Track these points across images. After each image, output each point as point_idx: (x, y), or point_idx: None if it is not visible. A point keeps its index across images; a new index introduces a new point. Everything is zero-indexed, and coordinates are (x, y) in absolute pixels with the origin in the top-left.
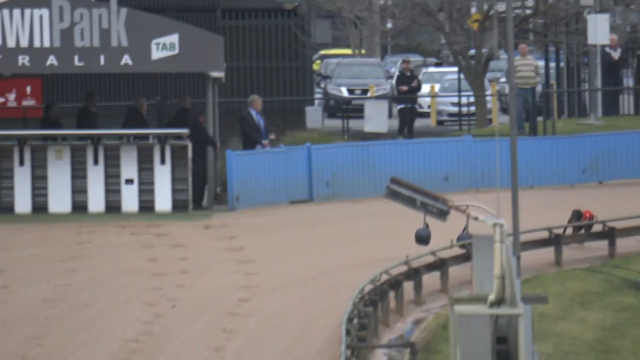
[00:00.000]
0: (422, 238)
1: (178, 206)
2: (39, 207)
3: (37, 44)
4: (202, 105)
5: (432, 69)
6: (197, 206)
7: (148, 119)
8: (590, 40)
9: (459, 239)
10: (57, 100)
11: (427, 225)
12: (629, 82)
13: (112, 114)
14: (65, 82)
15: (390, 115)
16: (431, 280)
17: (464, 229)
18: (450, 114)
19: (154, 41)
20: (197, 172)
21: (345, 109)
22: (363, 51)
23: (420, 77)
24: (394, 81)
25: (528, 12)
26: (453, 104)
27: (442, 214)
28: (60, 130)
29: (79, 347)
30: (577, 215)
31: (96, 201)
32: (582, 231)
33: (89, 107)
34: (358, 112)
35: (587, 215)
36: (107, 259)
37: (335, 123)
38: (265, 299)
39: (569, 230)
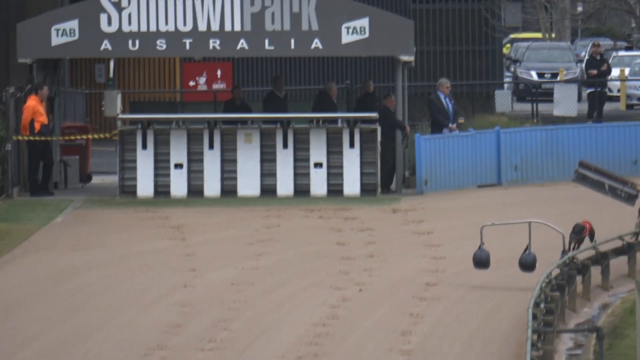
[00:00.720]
0: (527, 264)
1: (366, 190)
2: (228, 190)
3: (227, 27)
4: (389, 89)
5: (622, 53)
6: (385, 190)
7: (337, 103)
8: None
9: None
10: (246, 83)
11: (481, 246)
12: None
13: (301, 97)
14: (254, 66)
15: (579, 99)
16: (618, 264)
17: None
18: None
19: (344, 25)
20: (386, 156)
21: (534, 93)
22: (553, 35)
23: (610, 60)
24: (583, 65)
25: None
26: None
27: (631, 199)
28: (248, 113)
29: (265, 331)
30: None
31: (285, 185)
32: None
33: (276, 91)
34: (547, 95)
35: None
36: (295, 243)
37: (525, 107)
38: (452, 283)
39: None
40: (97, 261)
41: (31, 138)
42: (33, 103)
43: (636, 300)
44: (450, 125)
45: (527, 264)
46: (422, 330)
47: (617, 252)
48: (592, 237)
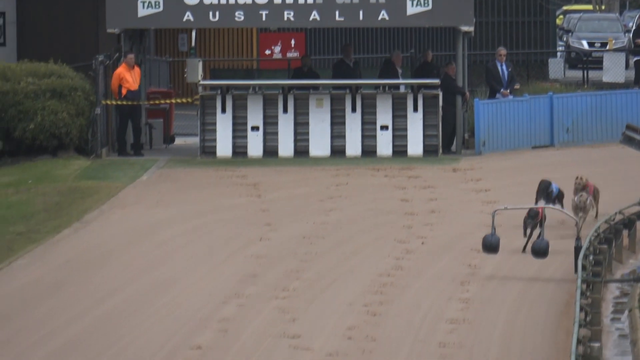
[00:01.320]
0: (540, 250)
1: (428, 151)
2: (301, 151)
3: (301, 0)
4: (450, 58)
5: None
6: (446, 151)
7: (402, 70)
8: None
9: None
10: (317, 52)
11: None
12: None
13: (368, 65)
14: (325, 36)
15: (627, 66)
16: None
17: None
18: None
19: None
20: (447, 120)
21: (585, 61)
22: (603, 7)
23: None
24: (631, 35)
25: None
26: None
27: None
28: (315, 79)
29: (335, 281)
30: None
31: (353, 146)
32: None
33: (346, 59)
34: (597, 63)
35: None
36: (362, 199)
37: (576, 74)
38: (508, 237)
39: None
40: (179, 216)
41: (117, 102)
42: (120, 70)
43: None
44: (502, 90)
45: (541, 250)
46: (479, 280)
47: None
48: (541, 223)
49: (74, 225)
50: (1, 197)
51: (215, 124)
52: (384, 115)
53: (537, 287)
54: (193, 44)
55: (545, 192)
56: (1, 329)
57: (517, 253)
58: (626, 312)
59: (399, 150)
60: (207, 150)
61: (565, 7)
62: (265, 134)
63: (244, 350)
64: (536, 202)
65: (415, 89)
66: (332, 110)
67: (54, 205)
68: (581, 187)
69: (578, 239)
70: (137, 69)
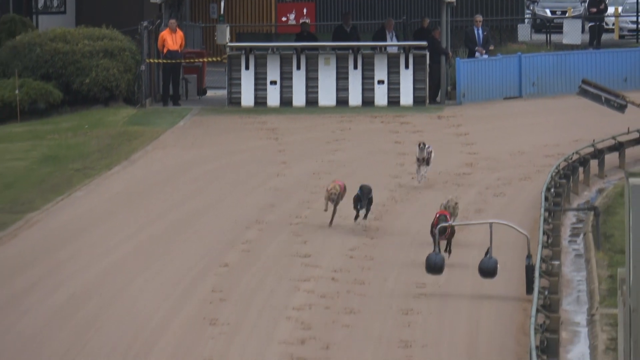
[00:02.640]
0: (436, 267)
1: (417, 101)
2: (311, 101)
3: None
4: (435, 24)
5: None
6: (432, 101)
7: (394, 33)
8: None
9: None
10: (326, 19)
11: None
12: None
13: (367, 30)
14: (331, 5)
15: (582, 31)
16: (611, 158)
17: None
18: (630, 30)
19: None
20: (433, 75)
21: (548, 26)
22: None
23: (606, 1)
24: (586, 4)
25: None
26: (632, 22)
27: (621, 107)
28: (314, 42)
29: (341, 208)
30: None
31: (355, 97)
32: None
33: (344, 25)
34: (558, 28)
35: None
36: (362, 142)
37: (540, 37)
38: (482, 173)
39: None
40: (210, 156)
41: (159, 61)
42: (163, 33)
43: (625, 185)
44: (477, 47)
45: (489, 270)
46: (459, 208)
47: (611, 148)
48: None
49: (123, 163)
50: (62, 139)
51: (240, 79)
52: (380, 72)
53: (510, 210)
54: (222, 12)
55: (368, 196)
56: (64, 248)
57: (490, 186)
58: (581, 236)
59: (393, 100)
60: (233, 100)
61: None
62: (281, 87)
63: (264, 268)
64: (356, 207)
65: (406, 50)
66: (337, 68)
67: (106, 146)
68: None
69: (529, 256)
70: (179, 33)
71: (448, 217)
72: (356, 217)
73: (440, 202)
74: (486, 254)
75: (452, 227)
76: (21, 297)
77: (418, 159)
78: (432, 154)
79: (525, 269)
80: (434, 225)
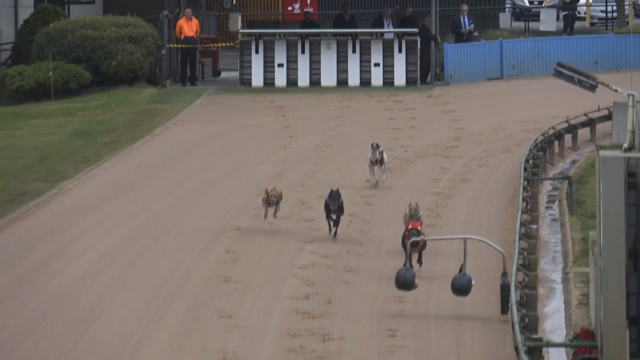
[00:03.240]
0: (406, 283)
1: (410, 82)
2: (314, 82)
3: None
4: (426, 12)
5: None
6: (423, 82)
7: (390, 21)
8: None
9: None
10: (328, 9)
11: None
12: None
13: (364, 18)
14: None
15: (557, 19)
16: (584, 133)
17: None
18: (600, 18)
19: None
20: (423, 58)
21: (526, 15)
22: None
23: None
24: None
25: None
26: (601, 11)
27: (592, 87)
28: (316, 28)
29: (340, 179)
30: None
31: (353, 78)
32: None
33: (344, 14)
34: (536, 17)
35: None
36: (360, 118)
37: (520, 24)
38: (467, 147)
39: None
40: (224, 131)
41: (177, 45)
42: (181, 21)
43: (596, 157)
44: (463, 29)
45: (462, 287)
46: (448, 178)
47: (583, 124)
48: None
49: (146, 137)
50: (91, 116)
51: (250, 61)
52: (376, 55)
53: (493, 181)
54: (234, 1)
55: (338, 203)
56: (93, 214)
57: (475, 157)
58: (557, 202)
59: (388, 81)
60: (245, 81)
61: None
62: (288, 69)
63: (273, 230)
64: (328, 214)
65: (400, 36)
66: (337, 52)
67: (130, 122)
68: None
69: (504, 274)
70: (195, 20)
71: (420, 228)
72: (330, 230)
73: (429, 172)
74: (460, 270)
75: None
76: (55, 258)
77: (371, 161)
78: (385, 154)
79: (500, 288)
80: (406, 238)
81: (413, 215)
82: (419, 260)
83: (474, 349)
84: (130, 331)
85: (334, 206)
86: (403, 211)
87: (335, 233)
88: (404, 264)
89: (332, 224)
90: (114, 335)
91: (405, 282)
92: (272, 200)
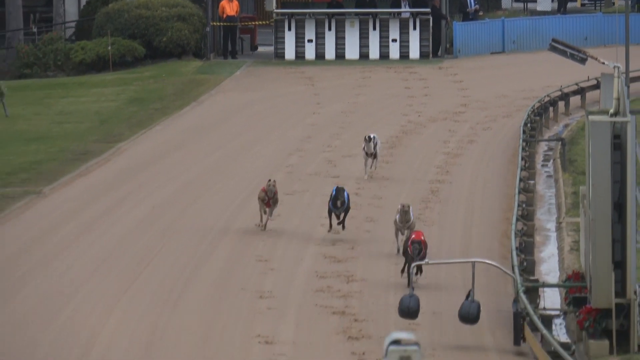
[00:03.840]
0: (410, 311)
1: (423, 55)
2: (339, 55)
3: None
4: None
5: None
6: (434, 55)
7: (407, 3)
8: None
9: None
10: None
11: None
12: None
13: None
14: None
15: (552, 0)
16: (575, 100)
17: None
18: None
19: None
20: (435, 35)
21: None
22: None
23: None
24: None
25: None
26: None
27: (583, 60)
28: (341, 8)
29: (362, 140)
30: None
31: (374, 52)
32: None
33: None
34: None
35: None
36: (379, 88)
37: (519, 5)
38: (473, 113)
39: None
40: (260, 98)
41: (220, 24)
42: (223, 2)
43: (585, 121)
44: (468, 9)
45: (470, 316)
46: (456, 139)
47: (574, 92)
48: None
49: (192, 104)
50: (145, 85)
51: (284, 37)
52: (394, 32)
53: (495, 145)
54: None
55: (342, 199)
56: (147, 171)
57: (480, 122)
58: (551, 161)
59: (404, 55)
60: (279, 55)
61: None
62: (316, 44)
63: (303, 184)
64: (331, 210)
65: (414, 15)
66: (360, 29)
67: (179, 90)
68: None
69: (516, 301)
70: (235, 1)
71: (422, 238)
72: (330, 225)
73: (440, 134)
74: (467, 296)
75: (425, 246)
76: (114, 209)
77: (366, 153)
78: (379, 144)
79: (513, 316)
80: (409, 254)
81: (403, 221)
82: (418, 271)
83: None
84: (179, 272)
85: (340, 207)
86: (419, 168)
87: (343, 223)
88: (408, 285)
89: (333, 219)
90: (165, 276)
91: (409, 311)
92: (270, 191)
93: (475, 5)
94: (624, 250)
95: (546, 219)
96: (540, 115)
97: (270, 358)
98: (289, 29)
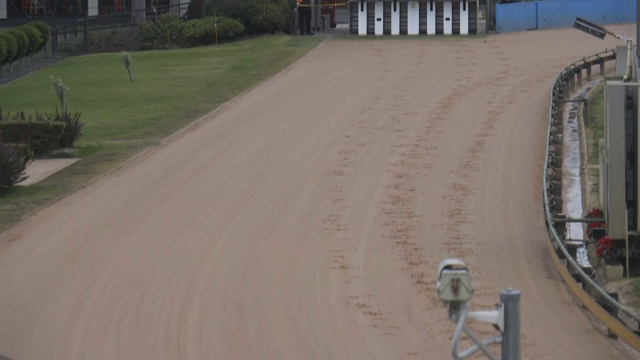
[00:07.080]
0: None
1: (471, 31)
2: (402, 31)
3: None
4: None
5: None
6: (480, 31)
7: None
8: None
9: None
10: None
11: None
12: None
13: None
14: None
15: None
16: (596, 68)
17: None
18: None
19: None
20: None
21: None
22: None
23: None
24: None
25: None
26: None
27: (602, 36)
28: None
29: (421, 100)
30: None
31: (431, 28)
32: None
33: None
34: None
35: None
36: (435, 57)
37: None
38: (512, 78)
39: None
40: (338, 66)
41: (306, 5)
42: None
43: (604, 85)
44: None
45: None
46: (498, 100)
47: (595, 62)
48: None
49: (282, 70)
50: (244, 55)
51: (357, 16)
52: (447, 12)
53: (530, 102)
54: None
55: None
56: (246, 125)
57: (517, 86)
58: (576, 118)
59: (455, 31)
60: (353, 31)
61: None
62: (384, 22)
63: (372, 136)
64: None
65: None
66: (419, 9)
67: (272, 60)
68: None
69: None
70: None
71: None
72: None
73: (485, 96)
74: None
75: None
76: (218, 156)
77: None
78: None
79: None
80: None
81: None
82: None
83: None
84: (271, 208)
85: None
86: (467, 123)
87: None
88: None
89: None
90: (260, 211)
91: None
92: None
93: None
94: (636, 191)
95: (571, 165)
96: (567, 80)
97: (345, 280)
98: (362, 9)
